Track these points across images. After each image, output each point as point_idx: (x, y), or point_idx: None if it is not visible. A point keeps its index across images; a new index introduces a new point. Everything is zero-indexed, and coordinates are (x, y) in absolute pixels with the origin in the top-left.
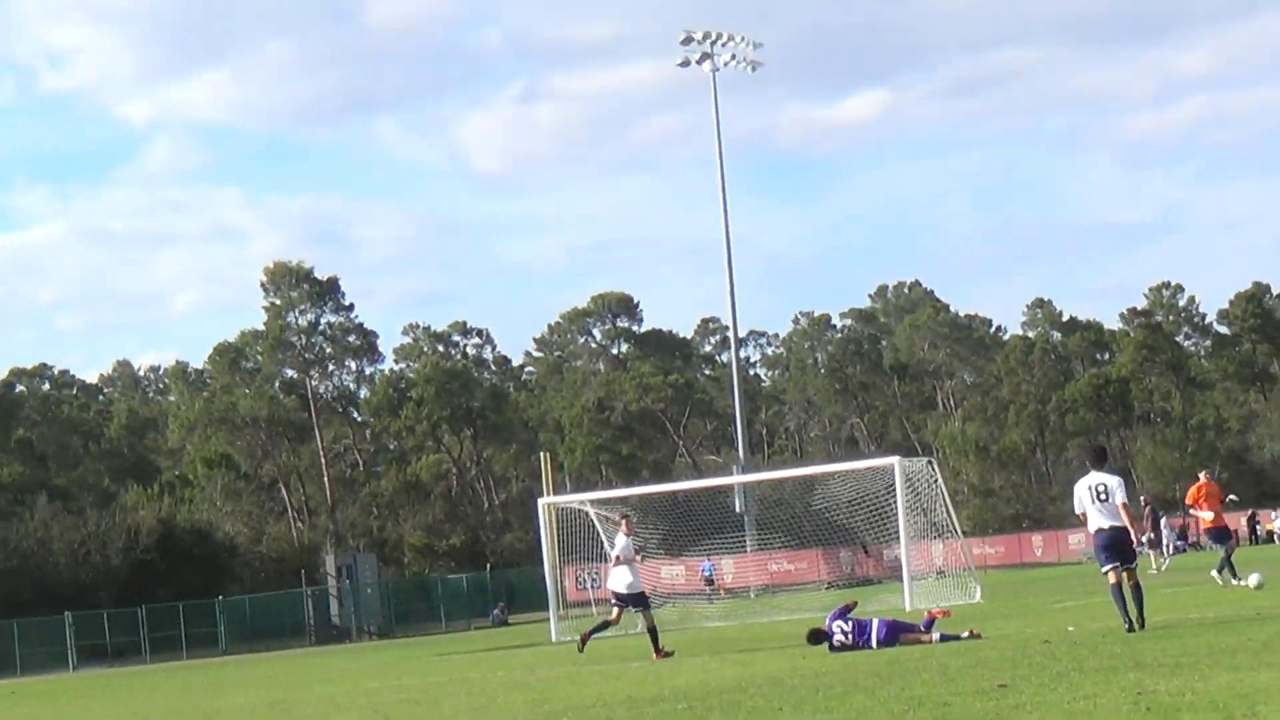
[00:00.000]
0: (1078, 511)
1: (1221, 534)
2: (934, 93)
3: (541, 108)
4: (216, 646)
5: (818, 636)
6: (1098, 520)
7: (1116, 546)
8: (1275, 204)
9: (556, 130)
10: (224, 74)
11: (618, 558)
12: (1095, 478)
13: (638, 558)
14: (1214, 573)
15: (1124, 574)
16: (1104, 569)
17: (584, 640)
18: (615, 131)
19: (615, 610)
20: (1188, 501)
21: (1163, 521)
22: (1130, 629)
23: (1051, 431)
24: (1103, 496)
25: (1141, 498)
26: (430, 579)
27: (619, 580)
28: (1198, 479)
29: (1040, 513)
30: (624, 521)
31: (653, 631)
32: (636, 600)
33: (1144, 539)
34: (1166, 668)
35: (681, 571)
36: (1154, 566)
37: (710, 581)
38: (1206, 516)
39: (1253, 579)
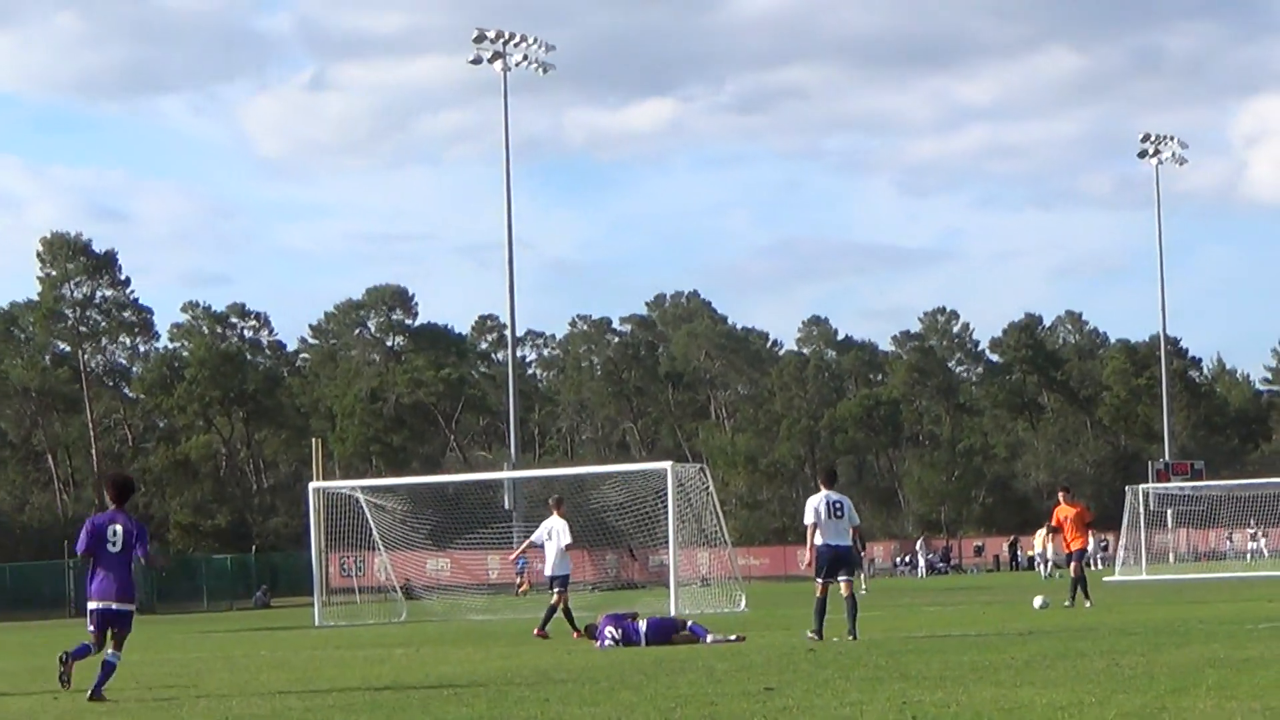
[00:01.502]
0: (808, 523)
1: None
2: (719, 106)
3: (329, 96)
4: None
5: (591, 630)
6: (828, 536)
7: (843, 562)
8: (1050, 237)
9: (342, 119)
10: (8, 40)
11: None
12: (831, 495)
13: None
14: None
15: (841, 586)
16: (820, 580)
17: (541, 631)
18: (401, 124)
19: (557, 594)
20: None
21: (919, 543)
22: (818, 639)
23: (821, 448)
24: (838, 513)
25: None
26: (195, 558)
27: (560, 564)
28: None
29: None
30: (558, 505)
31: (567, 612)
32: (563, 582)
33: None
34: (931, 680)
35: (447, 564)
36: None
37: (521, 573)
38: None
39: (1036, 600)
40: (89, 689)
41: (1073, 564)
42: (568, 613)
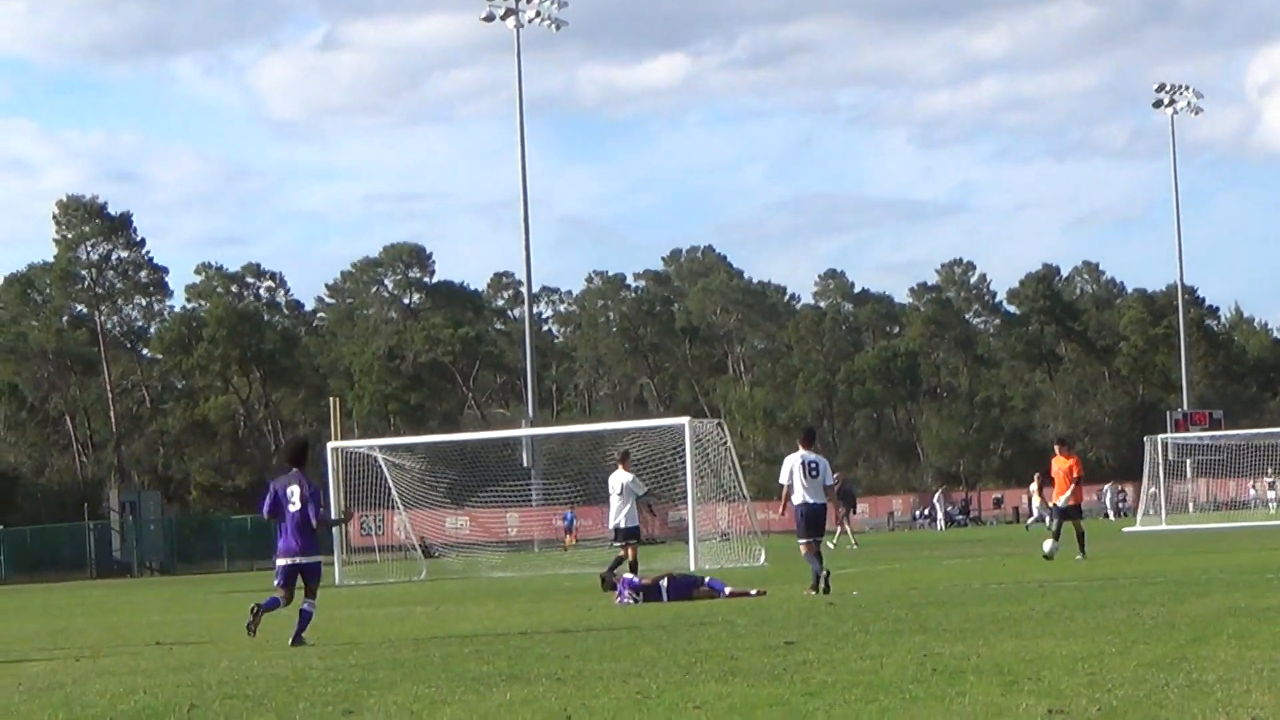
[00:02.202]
0: (783, 481)
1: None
2: (732, 61)
3: (341, 56)
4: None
5: (609, 583)
6: (803, 494)
7: (815, 521)
8: (1066, 188)
9: (355, 79)
10: (21, 4)
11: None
12: (808, 455)
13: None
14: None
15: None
16: (801, 540)
17: (605, 580)
18: (414, 83)
19: (629, 547)
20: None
21: (937, 496)
22: (820, 588)
23: (839, 401)
24: (814, 473)
25: (836, 474)
26: (215, 518)
27: (631, 517)
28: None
29: None
30: (624, 459)
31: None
32: (634, 534)
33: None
34: (951, 633)
35: (466, 522)
36: (852, 543)
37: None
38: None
39: (1047, 545)
40: (290, 636)
41: (1069, 519)
42: (633, 567)
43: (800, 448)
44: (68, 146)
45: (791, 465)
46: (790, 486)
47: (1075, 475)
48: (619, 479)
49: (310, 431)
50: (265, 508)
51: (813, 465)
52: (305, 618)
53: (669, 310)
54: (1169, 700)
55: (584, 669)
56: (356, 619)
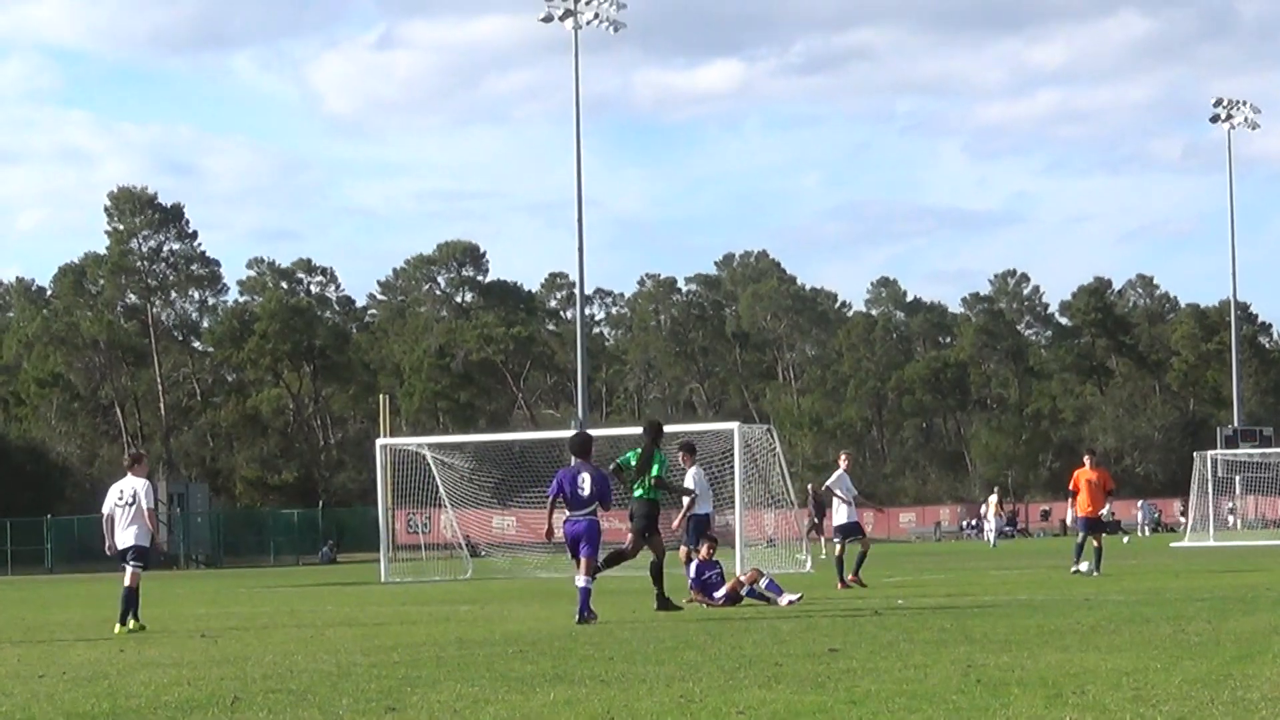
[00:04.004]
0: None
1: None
2: (786, 67)
3: (398, 54)
4: (43, 564)
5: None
6: (699, 504)
7: (703, 530)
8: (1120, 201)
9: (412, 77)
10: None
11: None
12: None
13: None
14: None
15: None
16: (687, 547)
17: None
18: (471, 82)
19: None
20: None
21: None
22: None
23: (889, 410)
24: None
25: (809, 485)
26: (261, 512)
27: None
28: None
29: (872, 489)
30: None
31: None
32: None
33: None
34: (996, 644)
35: (513, 522)
36: (823, 553)
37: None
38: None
39: (1083, 566)
40: (575, 614)
41: (1092, 534)
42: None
43: (685, 461)
44: (124, 138)
45: (695, 476)
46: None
47: (1108, 488)
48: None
49: (359, 428)
50: (552, 492)
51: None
52: (583, 594)
53: (720, 315)
54: (1213, 717)
55: (628, 671)
56: (401, 616)
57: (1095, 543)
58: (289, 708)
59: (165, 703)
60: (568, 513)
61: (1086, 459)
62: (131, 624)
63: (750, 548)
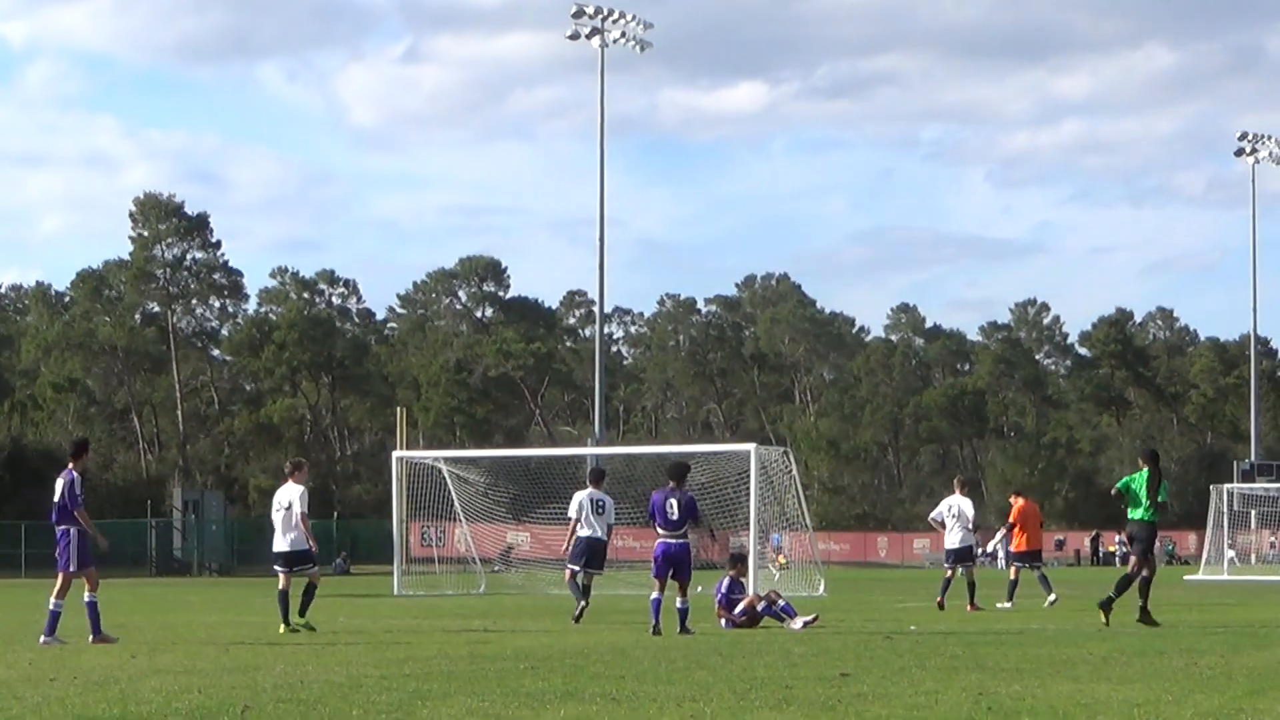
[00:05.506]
0: (571, 515)
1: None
2: (811, 90)
3: (424, 68)
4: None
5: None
6: (590, 529)
7: (596, 554)
8: (1143, 233)
9: (437, 91)
10: (108, 2)
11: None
12: (596, 493)
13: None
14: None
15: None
16: (573, 567)
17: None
18: (497, 98)
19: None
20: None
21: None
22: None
23: (905, 435)
24: (600, 510)
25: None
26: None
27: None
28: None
29: (887, 514)
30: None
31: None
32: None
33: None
34: (1008, 672)
35: (527, 538)
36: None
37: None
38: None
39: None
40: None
41: (1023, 567)
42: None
43: (590, 486)
44: (149, 145)
45: (580, 500)
46: (577, 520)
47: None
48: None
49: (375, 440)
50: (650, 514)
51: (599, 503)
52: (681, 614)
53: (739, 336)
54: None
55: (639, 690)
56: (413, 629)
57: (1037, 572)
58: (299, 717)
59: (176, 710)
60: (660, 533)
61: (1021, 496)
62: (295, 621)
63: (763, 569)
